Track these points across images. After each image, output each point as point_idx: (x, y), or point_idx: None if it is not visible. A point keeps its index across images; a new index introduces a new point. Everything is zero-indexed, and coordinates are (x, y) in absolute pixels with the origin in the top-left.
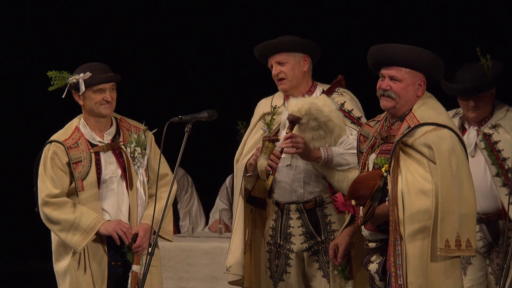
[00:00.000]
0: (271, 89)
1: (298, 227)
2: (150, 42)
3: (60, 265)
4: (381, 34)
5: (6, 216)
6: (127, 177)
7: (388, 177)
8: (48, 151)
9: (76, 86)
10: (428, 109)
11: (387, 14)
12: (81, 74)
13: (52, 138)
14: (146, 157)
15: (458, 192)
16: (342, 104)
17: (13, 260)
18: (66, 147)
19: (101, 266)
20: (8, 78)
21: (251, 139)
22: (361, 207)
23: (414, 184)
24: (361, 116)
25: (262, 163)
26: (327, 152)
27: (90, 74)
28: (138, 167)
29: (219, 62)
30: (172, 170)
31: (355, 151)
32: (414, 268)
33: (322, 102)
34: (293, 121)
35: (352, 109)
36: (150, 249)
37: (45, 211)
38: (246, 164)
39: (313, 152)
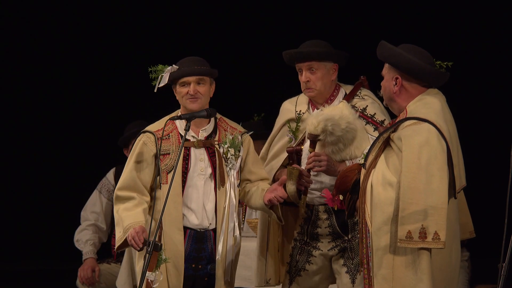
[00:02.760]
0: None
1: (325, 227)
2: (150, 42)
3: (140, 265)
4: (401, 32)
5: (6, 216)
6: (217, 177)
7: (362, 169)
8: (140, 141)
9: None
10: (420, 105)
11: (405, 13)
12: (169, 68)
13: (146, 128)
14: (239, 160)
15: (425, 184)
16: (364, 109)
17: (13, 260)
18: (157, 137)
19: (177, 269)
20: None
21: (277, 143)
22: None
23: (384, 176)
24: (385, 119)
25: (290, 188)
26: None
27: (177, 67)
28: (230, 168)
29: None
30: None
31: None
32: (378, 260)
33: (339, 114)
34: (313, 140)
35: (375, 113)
36: (149, 248)
37: (114, 204)
38: (274, 175)
39: (339, 166)
